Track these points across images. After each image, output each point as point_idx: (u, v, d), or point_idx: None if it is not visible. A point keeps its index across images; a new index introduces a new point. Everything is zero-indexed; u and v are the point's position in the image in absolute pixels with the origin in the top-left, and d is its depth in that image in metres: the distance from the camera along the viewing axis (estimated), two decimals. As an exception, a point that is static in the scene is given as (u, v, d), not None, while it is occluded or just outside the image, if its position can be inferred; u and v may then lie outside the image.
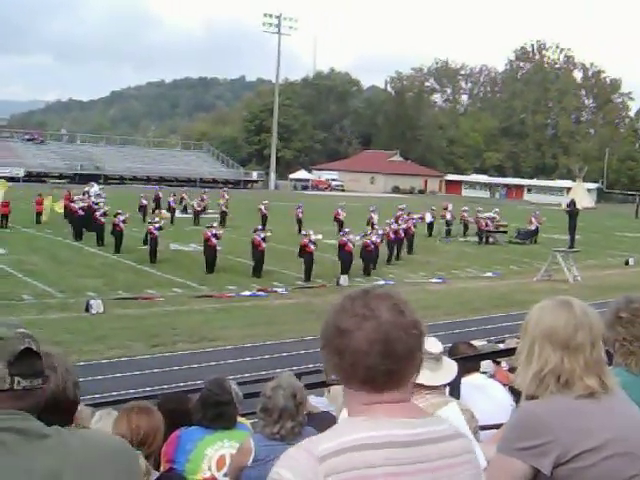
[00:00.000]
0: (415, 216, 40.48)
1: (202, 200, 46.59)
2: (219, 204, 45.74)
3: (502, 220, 46.58)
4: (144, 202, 44.15)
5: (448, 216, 45.53)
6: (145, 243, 30.54)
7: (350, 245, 28.28)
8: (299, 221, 41.62)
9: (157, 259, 28.97)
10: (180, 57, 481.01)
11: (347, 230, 30.29)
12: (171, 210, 44.66)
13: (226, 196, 49.38)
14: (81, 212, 35.73)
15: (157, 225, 29.79)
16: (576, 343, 2.46)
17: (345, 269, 27.57)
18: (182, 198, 49.26)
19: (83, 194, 43.02)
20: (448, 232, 44.65)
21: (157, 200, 47.90)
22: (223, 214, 44.03)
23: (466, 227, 44.99)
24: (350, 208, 45.42)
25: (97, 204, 37.14)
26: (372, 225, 35.91)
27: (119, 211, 32.87)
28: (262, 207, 43.73)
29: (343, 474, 1.72)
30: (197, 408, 4.73)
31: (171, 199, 45.89)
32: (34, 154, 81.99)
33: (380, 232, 31.85)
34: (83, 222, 35.49)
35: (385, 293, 1.92)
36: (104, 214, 33.98)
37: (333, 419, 4.60)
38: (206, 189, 58.83)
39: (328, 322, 1.91)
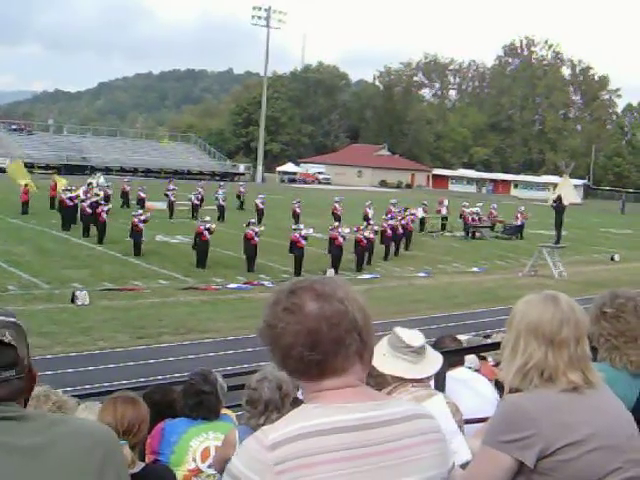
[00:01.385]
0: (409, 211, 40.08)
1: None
2: (217, 198, 44.51)
3: (499, 216, 46.58)
4: (142, 195, 43.41)
5: (443, 211, 45.43)
6: (131, 236, 30.41)
7: (340, 239, 28.18)
8: (296, 215, 40.98)
9: (142, 251, 28.81)
10: (169, 49, 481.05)
11: (337, 224, 30.24)
12: (169, 204, 43.31)
13: (242, 189, 50.37)
14: (69, 202, 35.51)
15: (142, 218, 29.60)
16: (561, 338, 2.47)
17: (335, 263, 27.54)
18: (198, 192, 46.56)
19: (88, 185, 42.28)
20: (443, 227, 44.65)
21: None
22: (221, 208, 42.98)
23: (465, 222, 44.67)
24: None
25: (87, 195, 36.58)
26: (367, 220, 35.57)
27: (102, 202, 32.81)
28: (258, 201, 43.27)
29: (294, 461, 1.74)
30: (179, 398, 4.75)
31: (170, 192, 44.13)
32: (20, 144, 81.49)
33: (375, 228, 31.64)
34: (73, 212, 35.41)
35: (310, 285, 1.92)
36: (92, 205, 33.73)
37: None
38: (221, 183, 57.88)
39: (262, 317, 1.95)
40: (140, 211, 31.22)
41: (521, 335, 2.53)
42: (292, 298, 1.89)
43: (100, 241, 30.94)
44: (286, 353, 1.88)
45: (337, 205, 43.34)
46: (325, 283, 1.93)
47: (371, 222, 33.16)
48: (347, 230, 29.30)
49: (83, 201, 34.47)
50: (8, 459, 1.76)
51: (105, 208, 32.16)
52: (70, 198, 35.71)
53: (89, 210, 33.10)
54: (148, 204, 42.16)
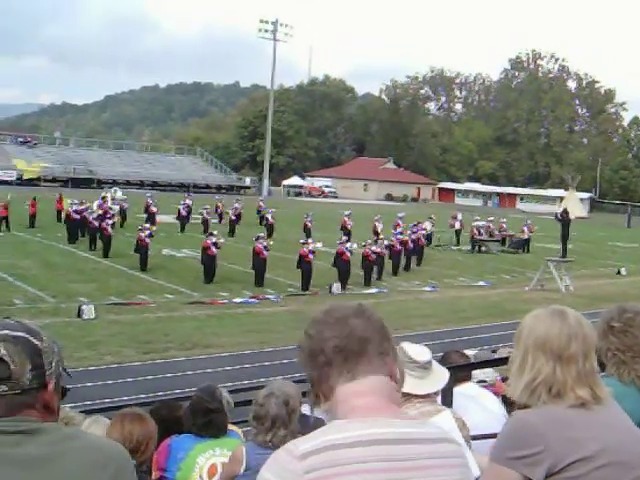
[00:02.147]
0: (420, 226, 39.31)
1: (236, 209, 44.75)
2: (228, 213, 44.11)
3: (509, 230, 46.36)
4: (154, 209, 43.26)
5: (457, 225, 45.30)
6: (136, 251, 30.29)
7: (348, 254, 28.00)
8: (307, 230, 40.69)
9: (148, 266, 28.64)
10: (175, 62, 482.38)
11: (345, 239, 30.12)
12: (180, 218, 43.35)
13: (262, 204, 49.94)
14: (76, 215, 35.51)
15: (147, 232, 29.50)
16: (569, 353, 2.45)
17: (342, 278, 27.41)
18: (217, 206, 47.78)
19: (102, 199, 42.29)
20: (457, 241, 44.50)
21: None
22: (232, 223, 42.58)
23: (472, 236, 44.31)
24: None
25: (91, 209, 36.52)
26: (377, 234, 35.22)
27: (107, 215, 32.83)
28: (269, 216, 43.16)
29: (322, 471, 1.77)
30: (187, 416, 4.72)
31: (182, 206, 44.18)
32: (27, 157, 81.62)
33: (386, 242, 31.40)
34: (79, 226, 35.44)
35: (358, 306, 2.06)
36: (99, 218, 33.67)
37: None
38: (238, 197, 57.63)
39: (305, 333, 2.04)
40: (147, 225, 31.22)
41: (529, 350, 2.52)
42: (339, 313, 2.02)
43: (106, 255, 30.91)
44: (325, 344, 1.96)
45: (347, 219, 43.15)
46: (369, 307, 2.08)
47: (381, 236, 32.81)
48: (355, 245, 29.19)
49: (92, 214, 34.47)
50: (13, 471, 1.76)
51: (110, 222, 32.15)
52: (77, 211, 35.68)
53: (96, 223, 33.11)
54: (157, 218, 42.12)
